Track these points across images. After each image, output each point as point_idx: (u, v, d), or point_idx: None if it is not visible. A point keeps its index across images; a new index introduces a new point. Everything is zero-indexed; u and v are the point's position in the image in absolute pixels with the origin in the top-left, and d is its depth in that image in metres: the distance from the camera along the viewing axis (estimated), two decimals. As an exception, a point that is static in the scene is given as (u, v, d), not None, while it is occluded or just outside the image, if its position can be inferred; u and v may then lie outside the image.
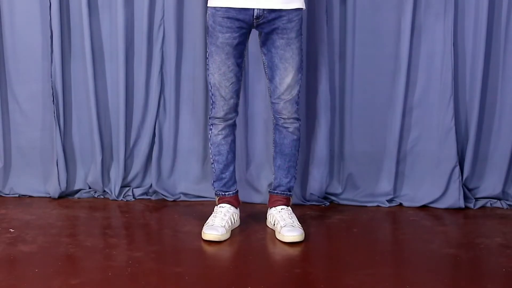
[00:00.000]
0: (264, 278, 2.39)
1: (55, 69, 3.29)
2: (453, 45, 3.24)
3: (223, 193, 2.96)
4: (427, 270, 2.50)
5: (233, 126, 2.92)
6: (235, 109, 2.87)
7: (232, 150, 2.94)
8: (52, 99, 3.32)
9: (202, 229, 2.88)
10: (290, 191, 2.98)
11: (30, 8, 3.30)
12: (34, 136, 3.41)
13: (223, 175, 2.94)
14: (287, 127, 2.87)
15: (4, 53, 3.35)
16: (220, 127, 2.88)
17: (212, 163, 2.95)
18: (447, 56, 3.24)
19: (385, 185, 3.37)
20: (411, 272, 2.49)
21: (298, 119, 2.88)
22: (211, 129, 2.91)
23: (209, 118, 2.90)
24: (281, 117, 2.86)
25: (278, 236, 2.82)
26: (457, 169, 3.30)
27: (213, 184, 2.98)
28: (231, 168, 2.95)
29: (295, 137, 2.90)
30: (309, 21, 3.24)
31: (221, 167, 2.93)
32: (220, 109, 2.84)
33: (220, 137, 2.89)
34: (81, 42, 3.30)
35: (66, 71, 3.34)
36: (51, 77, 3.31)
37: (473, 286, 2.37)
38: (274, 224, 2.90)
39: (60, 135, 3.34)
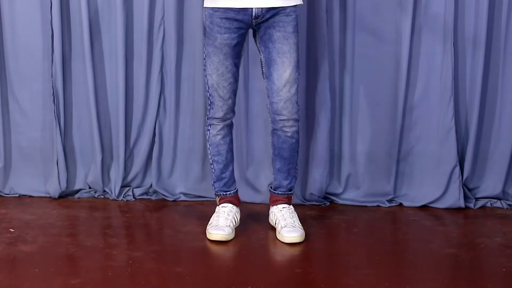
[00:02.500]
0: (264, 278, 2.39)
1: (55, 69, 3.29)
2: (453, 45, 3.24)
3: (224, 193, 2.96)
4: (427, 270, 2.50)
5: (231, 125, 2.92)
6: (233, 109, 2.86)
7: (231, 149, 2.94)
8: (53, 99, 3.32)
9: (202, 229, 2.89)
10: (290, 191, 2.97)
11: (30, 8, 3.30)
12: (35, 136, 3.41)
13: (223, 175, 2.94)
14: (286, 131, 2.83)
15: (4, 53, 3.35)
16: (219, 127, 2.87)
17: (211, 164, 2.95)
18: (447, 56, 3.24)
19: (385, 185, 3.37)
20: (411, 272, 2.49)
21: (297, 121, 2.85)
22: (208, 130, 2.90)
23: (207, 118, 2.89)
24: (280, 119, 2.81)
25: (278, 236, 2.82)
26: (457, 169, 3.30)
27: (213, 185, 2.98)
28: (230, 168, 2.95)
29: (293, 140, 2.86)
30: (309, 21, 3.24)
31: (221, 167, 2.93)
32: (219, 109, 2.83)
33: (219, 137, 2.89)
34: (81, 42, 3.30)
35: (67, 71, 3.34)
36: (52, 77, 3.31)
37: (473, 286, 2.37)
38: (275, 223, 2.90)
39: (61, 135, 3.34)
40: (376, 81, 3.32)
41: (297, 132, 2.87)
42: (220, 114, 2.84)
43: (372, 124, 3.36)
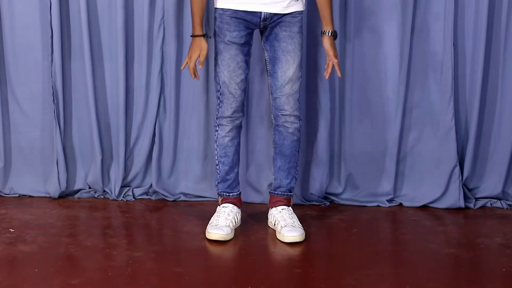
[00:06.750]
0: (264, 278, 2.39)
1: (55, 69, 3.29)
2: (453, 45, 3.24)
3: (227, 194, 2.96)
4: (427, 270, 2.50)
5: (240, 127, 2.92)
6: (242, 108, 2.87)
7: (238, 152, 2.94)
8: (53, 99, 3.32)
9: (202, 229, 2.89)
10: (290, 192, 2.98)
11: (30, 8, 3.30)
12: (34, 136, 3.41)
13: (228, 177, 2.94)
14: (287, 127, 2.87)
15: (4, 53, 3.35)
16: (228, 128, 2.87)
17: (217, 164, 2.94)
18: (447, 56, 3.24)
19: (385, 185, 3.37)
20: (411, 272, 2.49)
21: (299, 118, 2.88)
22: (217, 130, 2.90)
23: (216, 118, 2.89)
24: (282, 114, 2.85)
25: (279, 236, 2.82)
26: (457, 169, 3.30)
27: (217, 186, 2.98)
28: (235, 170, 2.95)
29: (295, 138, 2.89)
30: (309, 21, 3.23)
31: (226, 168, 2.92)
32: (228, 107, 2.84)
33: (227, 139, 2.89)
34: (81, 42, 3.30)
35: (66, 71, 3.34)
36: (51, 77, 3.31)
37: (473, 286, 2.37)
38: (274, 224, 2.90)
39: (60, 135, 3.34)
40: (376, 81, 3.33)
41: (299, 130, 2.89)
42: (229, 112, 2.84)
43: (372, 124, 3.36)
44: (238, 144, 2.94)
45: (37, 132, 3.41)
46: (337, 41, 3.26)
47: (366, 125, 3.37)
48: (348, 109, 3.36)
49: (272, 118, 2.92)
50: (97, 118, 3.35)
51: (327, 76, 2.93)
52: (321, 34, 2.91)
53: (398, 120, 3.31)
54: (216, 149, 2.92)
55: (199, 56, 2.80)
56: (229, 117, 2.85)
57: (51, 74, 3.31)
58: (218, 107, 2.87)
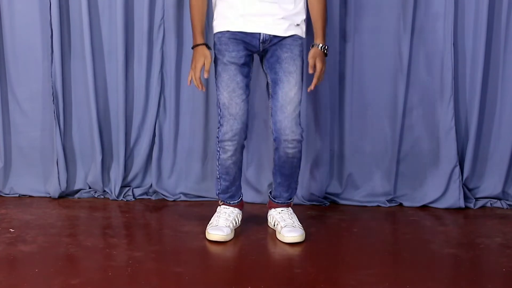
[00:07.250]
0: (264, 278, 2.39)
1: (55, 69, 3.29)
2: (453, 45, 3.24)
3: (228, 202, 2.94)
4: (427, 270, 2.50)
5: (242, 147, 2.83)
6: (245, 130, 2.78)
7: (240, 168, 2.88)
8: (53, 99, 3.32)
9: (202, 229, 2.88)
10: (290, 199, 2.96)
11: (30, 8, 3.30)
12: (34, 136, 3.41)
13: (229, 190, 2.91)
14: (288, 152, 2.76)
15: (4, 53, 3.35)
16: (230, 153, 2.79)
17: (218, 178, 2.89)
18: (447, 56, 3.25)
19: (385, 185, 3.37)
20: (411, 272, 2.49)
21: (301, 142, 2.77)
22: (218, 152, 2.82)
23: (217, 141, 2.81)
24: (284, 139, 2.73)
25: (279, 237, 2.82)
26: (457, 169, 3.30)
27: (218, 195, 2.95)
28: (237, 183, 2.91)
29: (295, 160, 2.80)
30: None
31: (228, 184, 2.89)
32: (229, 129, 2.75)
33: (229, 161, 2.81)
34: (81, 42, 3.30)
35: (66, 71, 3.34)
36: (51, 77, 3.31)
37: (473, 286, 2.37)
38: (274, 225, 2.90)
39: (60, 135, 3.34)
40: (376, 81, 3.33)
41: (300, 151, 2.79)
42: (229, 135, 2.75)
43: (372, 124, 3.36)
44: (241, 162, 2.86)
45: (37, 132, 3.41)
46: (337, 41, 3.28)
47: (366, 125, 3.37)
48: (348, 109, 3.36)
49: (272, 139, 2.80)
50: (97, 118, 3.35)
51: (308, 89, 2.83)
52: (311, 47, 2.82)
53: (398, 120, 3.31)
54: (218, 166, 2.86)
55: (203, 65, 2.74)
56: (230, 140, 2.76)
57: (51, 74, 3.31)
58: (218, 130, 2.79)
